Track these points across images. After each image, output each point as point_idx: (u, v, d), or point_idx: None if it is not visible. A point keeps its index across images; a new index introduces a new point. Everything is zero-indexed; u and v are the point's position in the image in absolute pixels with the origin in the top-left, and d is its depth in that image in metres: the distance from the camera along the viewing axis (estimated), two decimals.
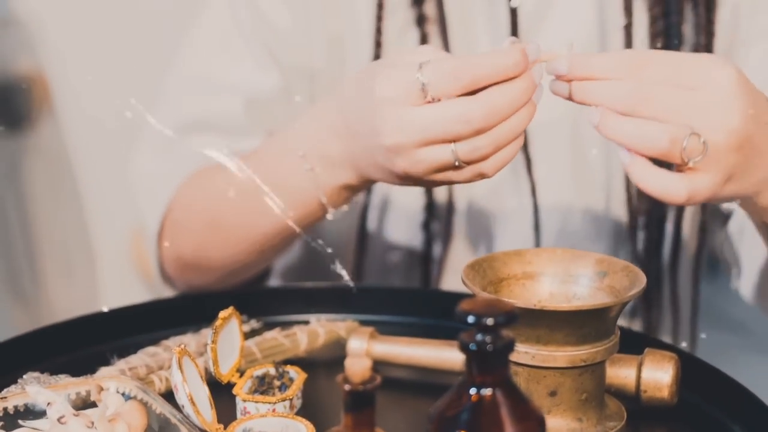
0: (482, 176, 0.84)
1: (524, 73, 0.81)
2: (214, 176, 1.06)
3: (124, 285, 2.11)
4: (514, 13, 1.07)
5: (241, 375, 0.88)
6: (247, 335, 0.96)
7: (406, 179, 0.86)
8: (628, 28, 1.06)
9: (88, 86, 2.00)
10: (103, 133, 2.02)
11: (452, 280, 1.12)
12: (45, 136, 2.02)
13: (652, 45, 1.07)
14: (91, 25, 1.95)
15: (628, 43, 1.06)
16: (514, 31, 1.07)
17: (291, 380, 0.87)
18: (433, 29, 1.09)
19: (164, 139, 1.14)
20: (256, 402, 0.83)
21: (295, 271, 1.20)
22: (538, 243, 1.10)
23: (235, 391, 0.85)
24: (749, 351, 1.29)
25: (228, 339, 0.87)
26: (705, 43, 1.06)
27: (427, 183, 0.87)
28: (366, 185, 0.95)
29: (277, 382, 0.87)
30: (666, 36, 1.06)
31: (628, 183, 1.09)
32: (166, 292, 1.16)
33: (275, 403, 0.83)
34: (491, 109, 0.81)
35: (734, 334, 1.23)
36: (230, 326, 0.87)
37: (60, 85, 2.00)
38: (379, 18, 1.08)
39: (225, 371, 0.87)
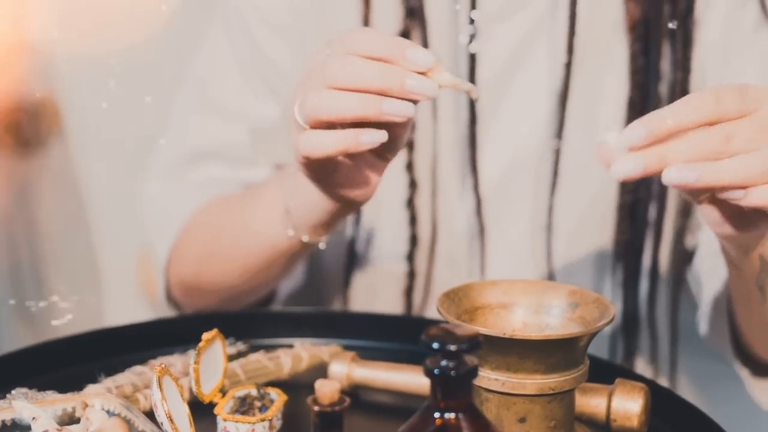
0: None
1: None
2: (215, 208, 1.10)
3: (129, 307, 2.14)
4: (473, 58, 1.10)
5: (224, 395, 0.90)
6: (233, 357, 0.99)
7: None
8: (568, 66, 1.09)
9: (98, 111, 2.03)
10: (112, 156, 2.06)
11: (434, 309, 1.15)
12: (54, 158, 2.06)
13: (632, 80, 1.10)
14: (102, 50, 1.98)
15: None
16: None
17: (272, 401, 0.90)
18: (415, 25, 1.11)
19: (173, 167, 1.18)
20: (236, 422, 0.86)
21: (297, 297, 1.23)
22: (519, 274, 1.12)
23: (216, 410, 0.87)
24: (740, 382, 1.30)
25: (212, 360, 0.90)
26: (681, 79, 1.09)
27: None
28: (336, 211, 0.96)
29: (258, 403, 0.89)
30: (645, 72, 1.09)
31: (618, 213, 1.12)
32: (170, 314, 1.19)
33: (255, 423, 0.86)
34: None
35: (723, 364, 1.24)
36: (214, 348, 0.90)
37: (70, 108, 2.04)
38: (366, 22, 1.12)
39: (207, 391, 0.89)
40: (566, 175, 1.12)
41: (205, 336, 0.88)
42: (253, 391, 0.90)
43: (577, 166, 1.12)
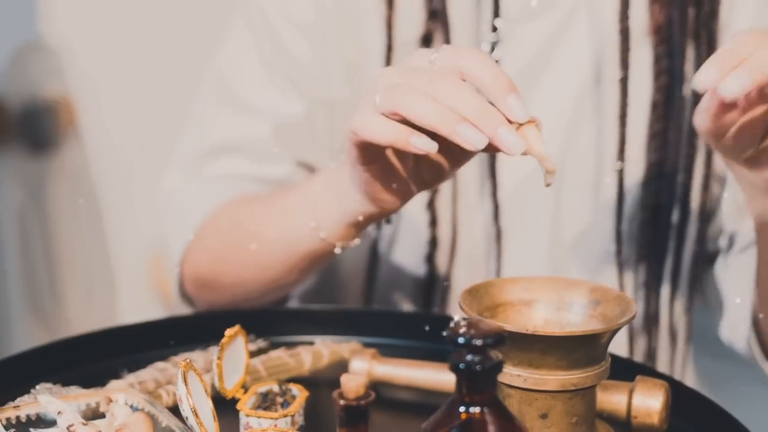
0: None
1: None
2: (241, 203, 1.11)
3: (142, 306, 2.15)
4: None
5: (246, 391, 0.91)
6: (254, 354, 0.99)
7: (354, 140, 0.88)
8: (624, 81, 1.09)
9: (113, 110, 2.04)
10: (126, 156, 2.07)
11: (455, 307, 1.15)
12: (69, 158, 2.07)
13: (656, 83, 1.10)
14: (117, 49, 1.99)
15: (624, 95, 1.09)
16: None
17: (293, 397, 0.90)
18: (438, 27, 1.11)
19: (195, 160, 1.18)
20: (259, 417, 0.86)
21: (311, 295, 1.23)
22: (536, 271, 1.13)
23: (238, 406, 0.88)
24: (752, 383, 1.30)
25: (234, 356, 0.91)
26: None
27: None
28: (363, 211, 0.96)
29: (279, 399, 0.90)
30: (668, 74, 1.09)
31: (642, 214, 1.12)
32: (186, 312, 1.20)
33: (277, 418, 0.86)
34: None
35: (736, 365, 1.24)
36: (236, 344, 0.91)
37: (85, 108, 2.05)
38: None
39: (230, 387, 0.90)
40: (586, 180, 1.12)
41: (228, 332, 0.88)
42: (275, 387, 0.91)
43: (599, 171, 1.12)
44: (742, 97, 0.83)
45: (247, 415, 0.87)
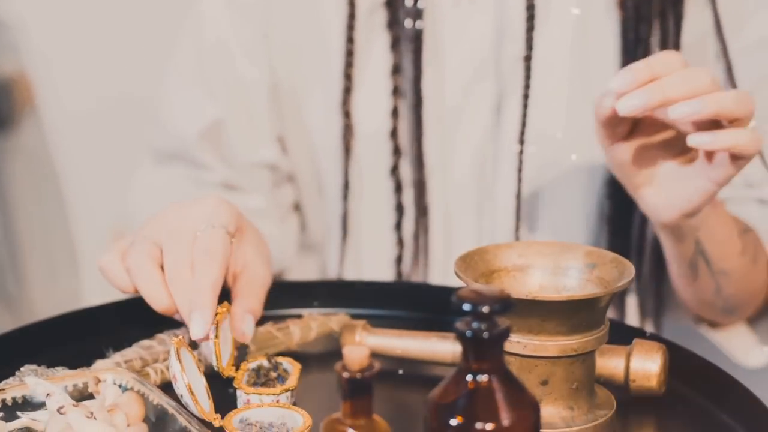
0: None
1: None
2: None
3: (107, 285, 2.11)
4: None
5: (237, 369, 0.89)
6: None
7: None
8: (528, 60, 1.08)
9: (71, 87, 2.01)
10: (86, 134, 2.03)
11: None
12: (27, 136, 2.03)
13: (624, 60, 1.09)
14: (74, 26, 1.96)
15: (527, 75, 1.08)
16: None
17: (285, 371, 0.88)
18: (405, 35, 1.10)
19: (159, 157, 1.18)
20: (260, 394, 0.84)
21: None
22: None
23: (236, 384, 0.86)
24: (726, 360, 1.29)
25: (224, 334, 0.88)
26: None
27: None
28: None
29: (273, 374, 0.88)
30: (635, 49, 1.08)
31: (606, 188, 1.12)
32: None
33: (279, 394, 0.84)
34: None
35: (707, 340, 1.24)
36: (226, 322, 0.88)
37: (43, 86, 2.01)
38: (351, 27, 1.10)
39: (224, 365, 0.88)
40: (553, 154, 1.11)
41: (219, 309, 0.86)
42: (265, 362, 0.89)
43: (565, 145, 1.11)
44: (635, 113, 0.87)
45: (248, 393, 0.85)
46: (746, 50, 1.10)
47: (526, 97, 1.08)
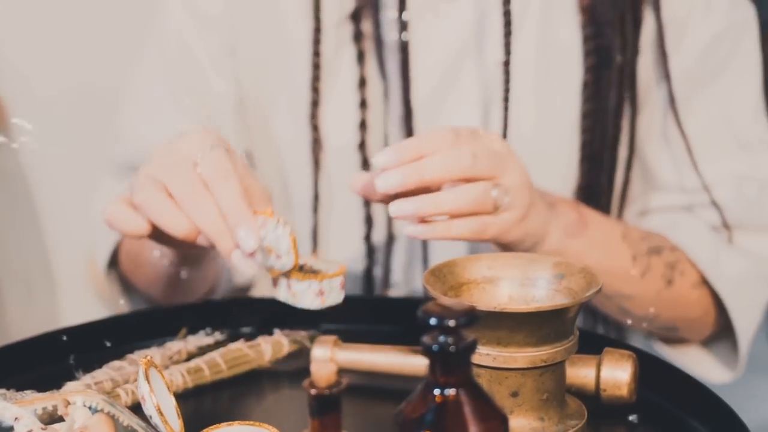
0: None
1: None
2: None
3: (84, 308, 2.10)
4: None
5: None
6: (212, 347, 0.97)
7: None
8: (506, 65, 1.09)
9: (45, 108, 2.00)
10: (61, 156, 2.02)
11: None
12: (2, 159, 2.02)
13: (585, 63, 1.10)
14: (49, 45, 1.95)
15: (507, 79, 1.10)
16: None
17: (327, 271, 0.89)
18: (369, 46, 1.11)
19: (118, 169, 1.19)
20: (303, 279, 0.87)
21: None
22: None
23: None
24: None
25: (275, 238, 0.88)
26: (630, 60, 1.10)
27: None
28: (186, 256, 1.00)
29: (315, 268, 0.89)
30: (597, 55, 1.10)
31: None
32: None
33: (321, 281, 0.86)
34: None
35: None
36: (278, 228, 0.88)
37: (16, 106, 2.00)
38: (317, 41, 1.11)
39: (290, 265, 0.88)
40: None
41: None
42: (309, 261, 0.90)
43: (533, 152, 1.12)
44: (392, 192, 0.88)
45: (290, 278, 0.87)
46: (687, 56, 1.11)
47: (506, 100, 1.09)
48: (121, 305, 1.21)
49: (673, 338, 1.16)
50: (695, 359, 1.16)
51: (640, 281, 1.07)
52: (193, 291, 1.12)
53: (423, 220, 0.89)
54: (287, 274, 0.87)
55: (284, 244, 0.86)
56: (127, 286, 1.20)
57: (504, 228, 0.91)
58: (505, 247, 0.95)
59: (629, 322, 1.13)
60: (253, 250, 0.84)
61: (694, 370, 1.15)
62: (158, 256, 1.02)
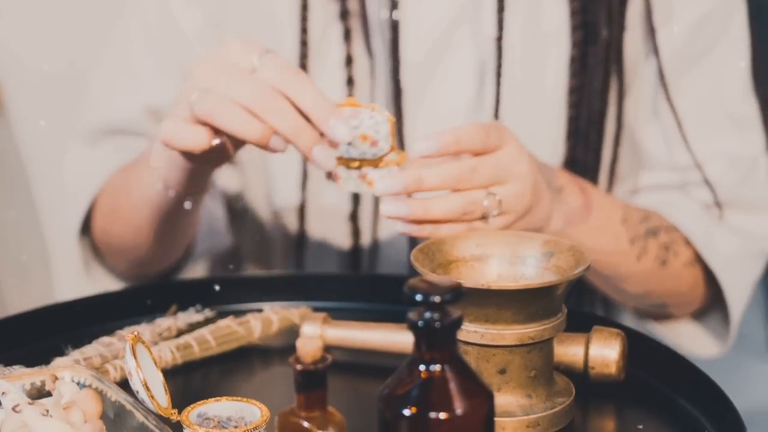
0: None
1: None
2: (116, 175, 1.15)
3: (78, 283, 2.10)
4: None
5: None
6: (201, 324, 0.97)
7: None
8: (499, 41, 1.10)
9: (40, 85, 1.99)
10: (53, 131, 2.02)
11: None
12: None
13: (572, 37, 1.10)
14: (44, 24, 1.94)
15: (499, 55, 1.10)
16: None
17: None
18: (356, 24, 1.11)
19: (91, 136, 1.19)
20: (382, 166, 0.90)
21: (225, 258, 1.22)
22: None
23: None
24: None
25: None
26: (617, 35, 1.10)
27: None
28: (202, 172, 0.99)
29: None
30: (583, 29, 1.09)
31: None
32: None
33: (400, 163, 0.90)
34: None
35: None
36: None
37: (10, 84, 2.00)
38: (304, 18, 1.10)
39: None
40: None
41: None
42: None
43: (519, 127, 1.11)
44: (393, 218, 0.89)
45: (367, 166, 0.90)
46: (676, 34, 1.11)
47: (498, 75, 1.09)
48: (90, 274, 1.21)
49: (661, 315, 1.16)
50: (686, 334, 1.17)
51: (636, 263, 1.07)
52: (173, 244, 1.12)
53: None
54: (362, 164, 0.90)
55: (383, 130, 0.89)
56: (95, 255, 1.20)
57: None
58: None
59: (621, 300, 1.13)
60: (346, 139, 0.86)
61: (685, 345, 1.16)
62: (161, 188, 1.02)
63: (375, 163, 0.90)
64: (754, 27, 1.15)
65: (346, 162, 0.91)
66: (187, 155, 0.93)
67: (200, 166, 0.97)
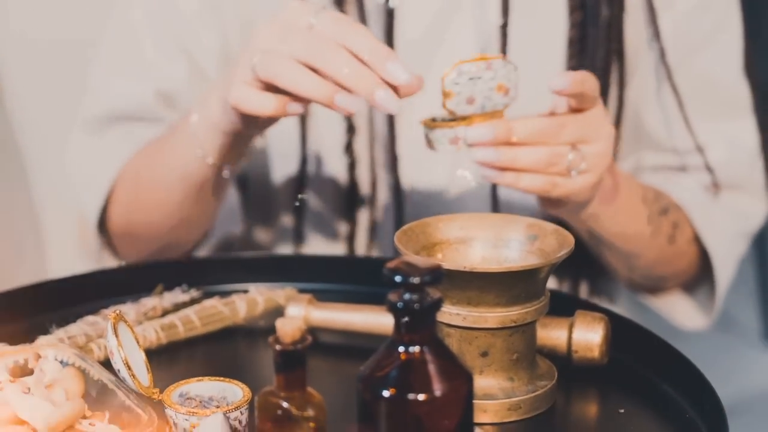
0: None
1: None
2: (138, 153, 1.13)
3: (73, 266, 2.10)
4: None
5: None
6: (187, 304, 0.97)
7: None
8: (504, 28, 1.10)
9: (35, 70, 1.99)
10: (50, 116, 2.02)
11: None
12: None
13: (571, 18, 1.10)
14: (38, 12, 1.94)
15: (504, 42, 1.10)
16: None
17: None
18: (351, 10, 1.10)
19: (94, 124, 1.17)
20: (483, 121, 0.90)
21: (234, 245, 1.22)
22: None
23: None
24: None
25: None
26: (617, 16, 1.10)
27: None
28: (240, 129, 0.98)
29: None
30: (582, 10, 1.09)
31: None
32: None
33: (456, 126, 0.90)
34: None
35: None
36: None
37: (6, 69, 1.99)
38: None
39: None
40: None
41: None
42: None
43: (518, 108, 1.11)
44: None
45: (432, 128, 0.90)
46: (677, 19, 1.12)
47: None
48: (105, 260, 1.20)
49: (655, 288, 1.18)
50: (676, 306, 1.19)
51: (651, 240, 1.09)
52: (197, 223, 1.12)
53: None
54: (463, 120, 0.90)
55: (513, 78, 0.91)
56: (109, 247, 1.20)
57: (573, 190, 0.93)
58: (555, 204, 0.96)
59: (627, 275, 1.15)
60: (406, 81, 0.87)
61: (674, 317, 1.19)
62: (200, 155, 1.01)
63: (470, 121, 0.90)
64: (744, 10, 1.16)
65: (436, 125, 0.91)
66: (248, 118, 0.94)
67: (250, 131, 0.98)
